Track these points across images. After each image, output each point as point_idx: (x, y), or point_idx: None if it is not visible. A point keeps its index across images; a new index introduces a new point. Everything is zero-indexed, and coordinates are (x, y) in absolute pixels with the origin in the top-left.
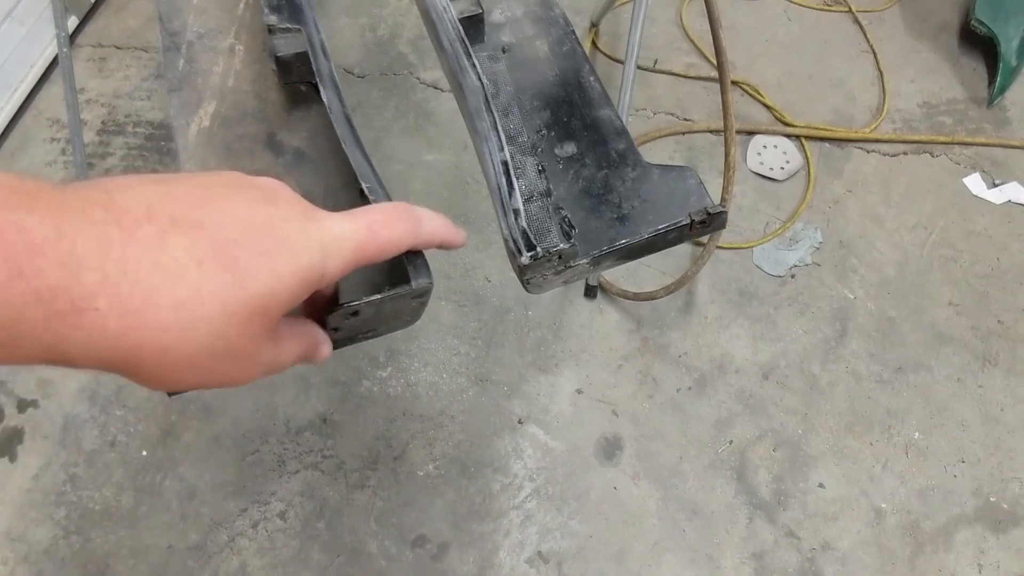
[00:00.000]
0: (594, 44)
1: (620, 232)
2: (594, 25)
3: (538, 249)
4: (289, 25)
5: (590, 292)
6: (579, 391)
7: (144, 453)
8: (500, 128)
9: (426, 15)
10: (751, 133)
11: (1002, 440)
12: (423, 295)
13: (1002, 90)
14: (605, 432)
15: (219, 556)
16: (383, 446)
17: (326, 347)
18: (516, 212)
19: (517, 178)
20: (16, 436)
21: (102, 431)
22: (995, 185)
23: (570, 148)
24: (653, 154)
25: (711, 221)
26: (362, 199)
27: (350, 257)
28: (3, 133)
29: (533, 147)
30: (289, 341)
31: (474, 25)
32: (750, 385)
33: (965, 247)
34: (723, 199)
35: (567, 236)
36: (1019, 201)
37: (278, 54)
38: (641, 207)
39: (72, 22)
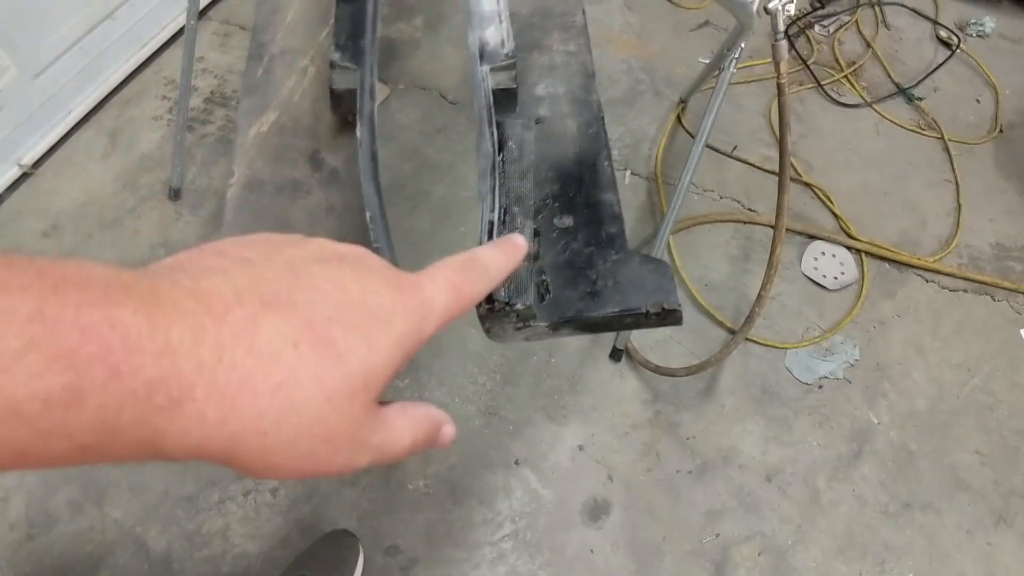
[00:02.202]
0: (679, 119)
1: (586, 306)
2: (683, 101)
3: (495, 303)
4: (348, 64)
5: (615, 355)
6: (581, 447)
7: None
8: (497, 192)
9: (469, 81)
10: (812, 237)
11: None
12: None
13: None
14: (596, 494)
15: (207, 513)
16: None
17: (449, 427)
18: None
19: None
20: None
21: None
22: None
23: (568, 220)
24: (711, 236)
25: (665, 316)
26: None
27: (443, 317)
28: (125, 81)
29: (536, 212)
30: (399, 426)
31: (508, 97)
32: (751, 484)
33: (1006, 398)
34: (760, 295)
35: (541, 299)
36: None
37: (333, 87)
38: (612, 288)
39: None
